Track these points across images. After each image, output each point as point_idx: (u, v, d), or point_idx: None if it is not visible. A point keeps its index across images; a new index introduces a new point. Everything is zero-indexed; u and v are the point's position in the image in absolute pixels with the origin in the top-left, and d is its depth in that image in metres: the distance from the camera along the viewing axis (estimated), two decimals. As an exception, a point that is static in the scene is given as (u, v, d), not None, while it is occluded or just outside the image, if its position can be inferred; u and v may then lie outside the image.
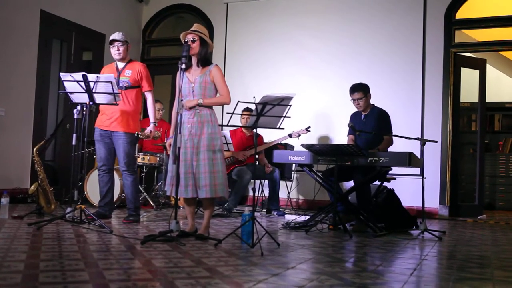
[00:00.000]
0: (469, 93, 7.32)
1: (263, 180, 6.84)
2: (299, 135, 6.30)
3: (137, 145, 6.13)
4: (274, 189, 6.41)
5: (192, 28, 4.09)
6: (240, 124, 6.28)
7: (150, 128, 4.98)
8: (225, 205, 6.02)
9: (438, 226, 5.58)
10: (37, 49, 6.69)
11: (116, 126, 4.89)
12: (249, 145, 6.40)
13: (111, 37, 4.95)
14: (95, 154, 6.55)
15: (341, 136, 6.82)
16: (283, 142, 6.96)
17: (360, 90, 5.32)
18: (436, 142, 5.42)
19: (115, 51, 4.95)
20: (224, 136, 6.38)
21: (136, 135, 4.93)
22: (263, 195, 6.93)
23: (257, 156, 6.31)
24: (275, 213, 6.33)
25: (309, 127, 6.37)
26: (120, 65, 5.00)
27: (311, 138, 6.98)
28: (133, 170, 5.00)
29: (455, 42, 6.90)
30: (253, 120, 3.90)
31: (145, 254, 3.19)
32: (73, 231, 4.05)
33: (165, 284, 2.44)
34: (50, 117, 7.02)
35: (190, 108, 3.98)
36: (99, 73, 5.01)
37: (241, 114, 5.99)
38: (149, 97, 5.02)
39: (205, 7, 8.30)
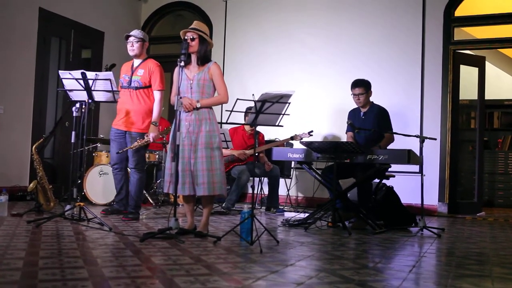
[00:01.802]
0: (468, 90, 7.32)
1: (262, 178, 6.84)
2: (302, 139, 6.29)
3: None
4: (274, 187, 6.41)
5: (192, 26, 4.09)
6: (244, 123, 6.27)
7: (150, 130, 4.87)
8: (223, 205, 6.02)
9: (437, 223, 5.59)
10: (35, 47, 6.67)
11: (129, 126, 4.91)
12: (250, 144, 6.39)
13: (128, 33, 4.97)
14: (94, 152, 6.58)
15: (340, 133, 6.83)
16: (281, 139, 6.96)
17: (362, 85, 5.32)
18: (435, 139, 5.42)
19: (129, 47, 4.96)
20: (223, 133, 6.37)
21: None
22: (262, 193, 6.93)
23: (257, 154, 6.30)
24: (275, 210, 6.33)
25: (311, 131, 6.36)
26: (136, 63, 4.98)
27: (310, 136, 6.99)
28: (141, 169, 5.00)
29: (454, 39, 6.89)
30: (252, 117, 3.90)
31: (144, 252, 3.19)
32: (72, 229, 4.05)
33: (164, 281, 2.44)
34: (49, 115, 7.01)
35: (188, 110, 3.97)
36: (98, 70, 5.01)
37: (245, 113, 5.95)
38: (156, 96, 4.94)
39: (204, 5, 8.29)
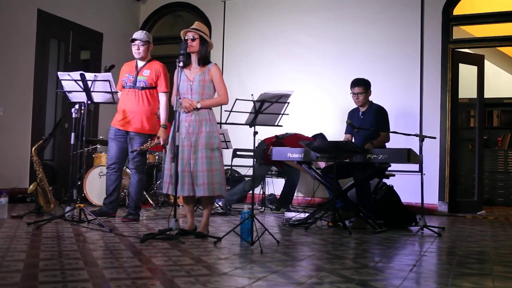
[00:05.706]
0: (467, 89, 7.32)
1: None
2: None
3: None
4: (291, 189, 6.38)
5: (193, 26, 4.09)
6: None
7: (160, 133, 4.85)
8: (220, 203, 6.00)
9: (437, 222, 5.58)
10: (34, 49, 6.67)
11: (131, 127, 4.88)
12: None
13: (133, 36, 4.94)
14: (93, 153, 6.58)
15: (338, 133, 6.82)
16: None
17: (361, 84, 5.32)
18: (435, 138, 5.42)
19: (135, 50, 4.92)
20: (223, 134, 6.37)
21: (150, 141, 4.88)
22: (263, 193, 6.93)
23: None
24: (284, 210, 6.30)
25: None
26: (140, 64, 4.97)
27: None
28: (142, 170, 4.98)
29: (453, 38, 6.90)
30: (251, 118, 3.90)
31: (144, 253, 3.19)
32: (72, 230, 4.05)
33: (164, 282, 2.43)
34: (49, 117, 7.01)
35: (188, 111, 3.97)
36: (97, 72, 5.00)
37: None
38: (162, 98, 4.93)
39: (203, 5, 8.29)
